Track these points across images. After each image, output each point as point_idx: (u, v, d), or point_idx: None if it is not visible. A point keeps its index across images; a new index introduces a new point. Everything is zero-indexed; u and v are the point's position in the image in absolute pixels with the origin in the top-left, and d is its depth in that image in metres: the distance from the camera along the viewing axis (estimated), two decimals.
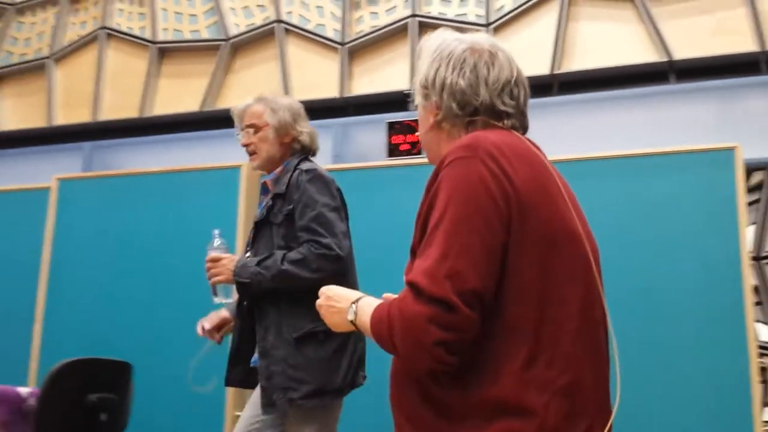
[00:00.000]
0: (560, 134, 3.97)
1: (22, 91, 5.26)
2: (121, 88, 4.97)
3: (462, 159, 1.31)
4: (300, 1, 4.65)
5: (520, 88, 1.48)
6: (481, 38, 1.50)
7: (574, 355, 1.30)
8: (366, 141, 4.28)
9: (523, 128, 1.50)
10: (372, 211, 3.47)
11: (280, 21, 4.62)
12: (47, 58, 5.15)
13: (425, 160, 4.04)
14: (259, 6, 4.75)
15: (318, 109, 3.71)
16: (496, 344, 1.27)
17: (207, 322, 2.42)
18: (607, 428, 1.33)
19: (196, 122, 4.69)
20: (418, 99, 1.51)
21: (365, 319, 1.35)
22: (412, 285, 1.26)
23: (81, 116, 5.01)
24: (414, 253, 1.36)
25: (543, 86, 4.13)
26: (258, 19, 4.72)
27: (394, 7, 4.45)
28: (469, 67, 1.44)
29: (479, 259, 1.24)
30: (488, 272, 1.25)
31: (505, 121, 1.44)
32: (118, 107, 4.95)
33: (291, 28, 4.62)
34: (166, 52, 4.92)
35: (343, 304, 1.41)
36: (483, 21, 4.25)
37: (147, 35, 4.95)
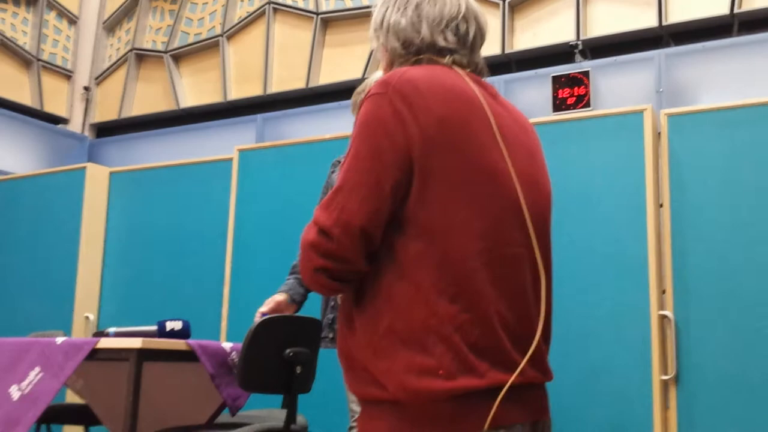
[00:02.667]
0: (744, 77, 3.72)
1: (198, 68, 5.59)
2: (287, 60, 5.16)
3: (373, 96, 1.35)
4: None
5: (470, 24, 1.48)
6: None
7: (482, 291, 1.29)
8: (531, 97, 4.21)
9: (472, 64, 1.48)
10: None
11: None
12: (220, 36, 5.43)
13: (594, 113, 3.91)
14: None
15: None
16: (398, 278, 1.31)
17: (264, 308, 2.58)
18: (525, 359, 1.32)
19: None
20: (373, 44, 1.54)
21: None
22: (313, 219, 1.37)
23: (253, 90, 5.26)
24: None
25: (722, 27, 3.88)
26: None
27: None
28: (412, 6, 1.45)
29: (367, 195, 1.30)
30: (375, 209, 1.30)
31: (447, 58, 1.44)
32: (285, 79, 5.15)
33: None
34: (329, 21, 5.05)
35: None
36: None
37: (310, 6, 5.10)
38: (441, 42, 1.45)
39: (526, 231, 1.37)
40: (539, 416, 1.39)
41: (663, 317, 3.16)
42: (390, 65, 1.50)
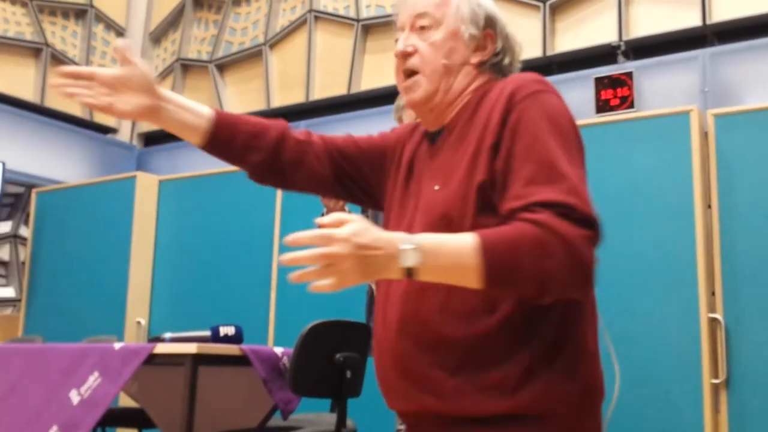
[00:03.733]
0: None
1: (242, 77, 5.68)
2: (329, 67, 5.22)
3: (545, 92, 1.28)
4: None
5: None
6: None
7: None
8: (573, 99, 4.18)
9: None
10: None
11: None
12: (263, 44, 5.51)
13: (638, 114, 3.86)
14: None
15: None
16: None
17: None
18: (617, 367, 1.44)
19: None
20: (467, 29, 1.37)
21: (448, 256, 1.13)
22: (562, 206, 1.14)
23: (295, 97, 5.33)
24: (487, 187, 1.24)
25: (766, 25, 3.82)
26: None
27: None
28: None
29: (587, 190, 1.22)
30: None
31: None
32: (327, 85, 5.20)
33: None
34: (369, 28, 5.09)
35: (388, 248, 1.12)
36: None
37: (351, 14, 5.15)
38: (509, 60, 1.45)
39: None
40: None
41: (713, 320, 3.13)
42: (482, 63, 1.39)
